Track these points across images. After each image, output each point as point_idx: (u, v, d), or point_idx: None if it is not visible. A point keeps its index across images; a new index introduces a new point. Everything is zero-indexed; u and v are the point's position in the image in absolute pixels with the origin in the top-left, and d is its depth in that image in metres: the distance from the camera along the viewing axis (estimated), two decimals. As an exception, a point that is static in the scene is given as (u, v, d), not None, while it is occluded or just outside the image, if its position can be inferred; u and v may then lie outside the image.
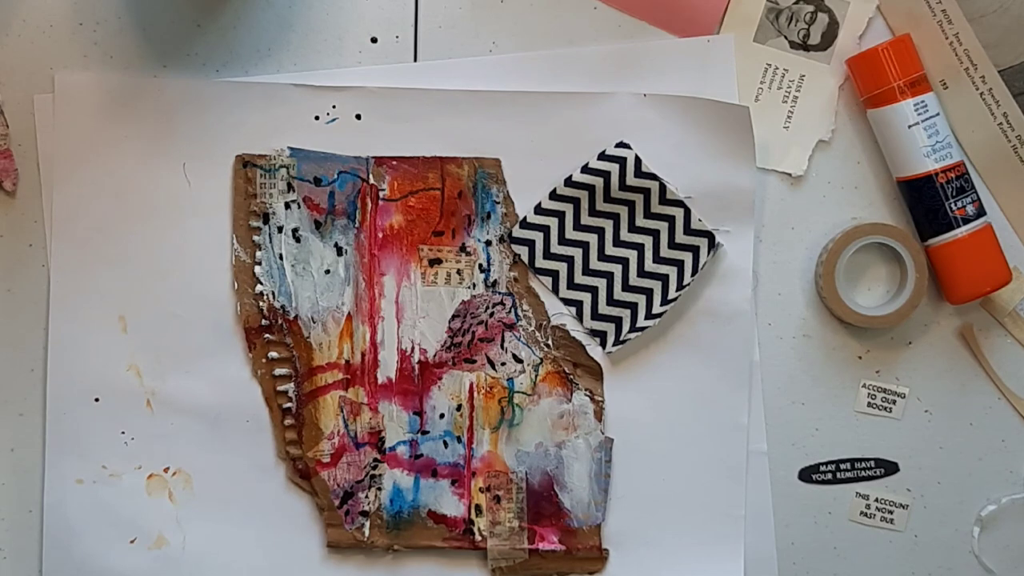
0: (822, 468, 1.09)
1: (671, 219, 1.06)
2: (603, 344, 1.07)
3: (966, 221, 1.04)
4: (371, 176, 1.05)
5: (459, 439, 1.07)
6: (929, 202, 1.04)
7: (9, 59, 1.04)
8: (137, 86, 1.04)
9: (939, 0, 1.04)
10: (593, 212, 1.06)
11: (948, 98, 1.05)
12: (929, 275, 1.05)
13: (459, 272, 1.06)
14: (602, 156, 1.05)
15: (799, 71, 1.06)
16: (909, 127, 1.03)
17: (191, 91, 1.04)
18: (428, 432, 1.06)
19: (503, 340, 1.06)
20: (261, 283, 1.05)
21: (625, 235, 1.06)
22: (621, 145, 1.05)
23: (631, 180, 1.05)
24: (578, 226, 1.06)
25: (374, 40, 1.06)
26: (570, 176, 1.05)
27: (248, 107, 1.04)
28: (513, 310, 1.06)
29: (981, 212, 1.04)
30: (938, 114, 1.03)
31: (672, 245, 1.06)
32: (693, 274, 1.06)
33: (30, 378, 1.06)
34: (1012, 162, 1.06)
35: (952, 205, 1.03)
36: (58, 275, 1.05)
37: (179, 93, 1.04)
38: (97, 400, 1.06)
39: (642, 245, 1.06)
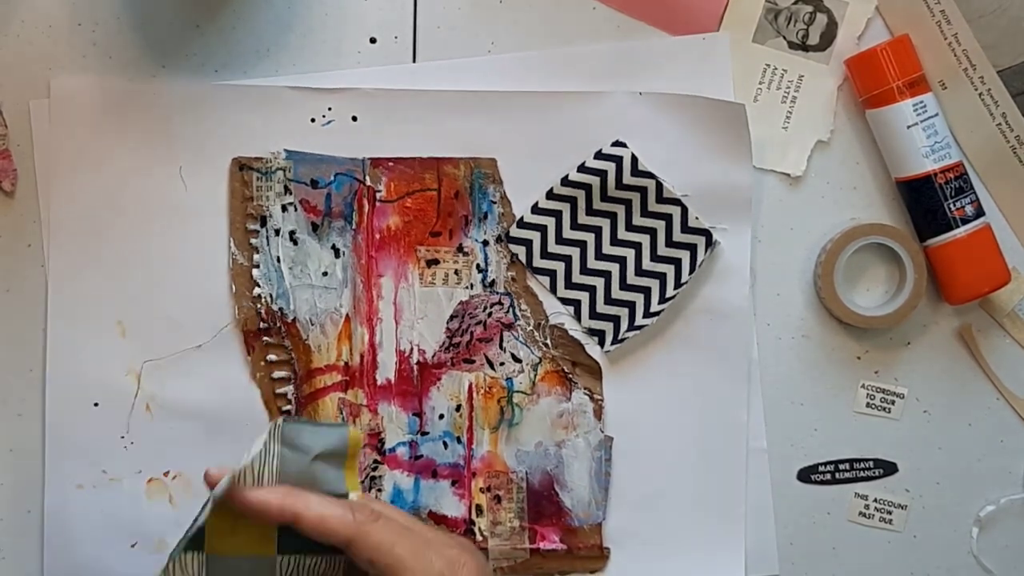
0: (821, 468, 1.09)
1: (668, 217, 1.06)
2: (601, 343, 1.07)
3: (965, 221, 1.04)
4: (367, 177, 1.05)
5: (459, 439, 1.07)
6: (928, 202, 1.04)
7: (8, 60, 1.04)
8: (133, 90, 1.04)
9: (938, 1, 1.04)
10: (590, 211, 1.06)
11: (947, 98, 1.06)
12: (928, 275, 1.05)
13: (457, 272, 1.06)
14: (599, 155, 1.05)
15: (798, 71, 1.06)
16: (908, 127, 1.03)
17: (187, 94, 1.04)
18: (428, 433, 1.06)
19: (502, 340, 1.06)
20: (259, 286, 1.05)
21: (622, 234, 1.06)
22: (617, 144, 1.05)
23: (628, 179, 1.05)
24: (575, 225, 1.06)
25: (373, 41, 1.05)
26: (567, 175, 1.05)
27: (244, 110, 1.04)
28: (511, 310, 1.06)
29: (980, 212, 1.04)
30: (937, 114, 1.03)
31: (669, 243, 1.06)
32: (691, 272, 1.06)
33: (28, 378, 1.06)
34: (1011, 162, 1.06)
35: (951, 205, 1.03)
36: (56, 280, 1.05)
37: (175, 97, 1.04)
38: (97, 405, 1.05)
39: (639, 244, 1.06)
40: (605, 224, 1.06)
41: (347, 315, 1.05)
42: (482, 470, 1.07)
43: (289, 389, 1.05)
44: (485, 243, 1.06)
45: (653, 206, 1.06)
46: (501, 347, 1.06)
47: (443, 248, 1.06)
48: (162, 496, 1.07)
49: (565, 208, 1.06)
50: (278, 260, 1.05)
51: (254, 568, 0.88)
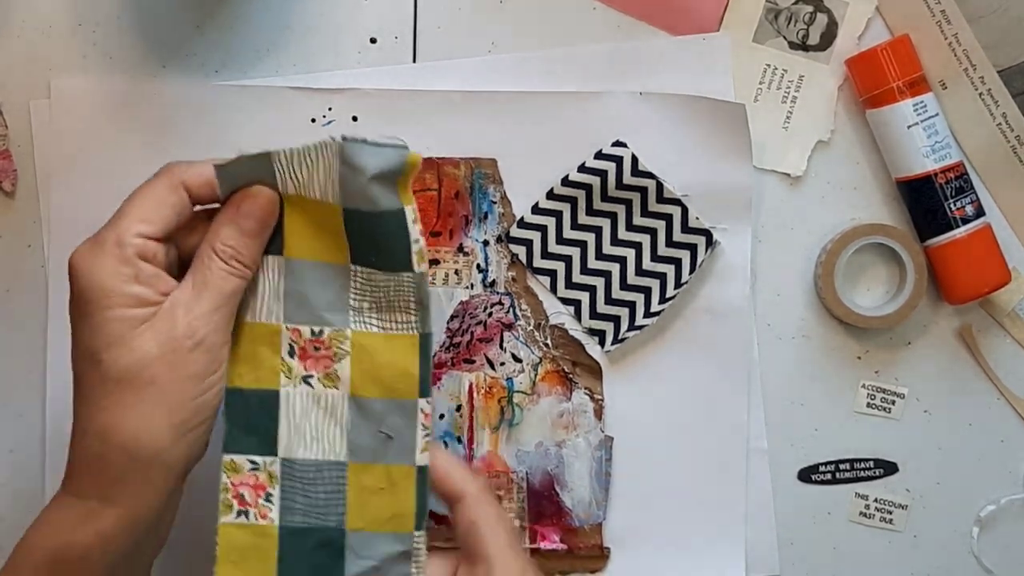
0: (821, 468, 1.09)
1: (668, 217, 1.05)
2: (602, 343, 1.07)
3: (965, 221, 1.04)
4: (369, 178, 1.05)
5: (459, 440, 1.07)
6: (928, 202, 1.04)
7: (8, 60, 1.04)
8: (133, 91, 1.04)
9: (938, 1, 1.04)
10: (590, 211, 1.06)
11: (947, 98, 1.05)
12: (928, 275, 1.05)
13: (457, 272, 1.06)
14: (599, 155, 1.05)
15: (798, 71, 1.06)
16: (908, 127, 1.03)
17: (187, 95, 1.04)
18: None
19: (502, 340, 1.06)
20: (260, 286, 1.04)
21: (623, 234, 1.06)
22: (617, 144, 1.05)
23: (628, 179, 1.04)
24: (576, 225, 1.06)
25: (373, 41, 1.05)
26: (567, 175, 1.05)
27: (244, 110, 1.04)
28: (511, 310, 1.06)
29: (980, 212, 1.04)
30: (937, 114, 1.03)
31: (670, 243, 1.06)
32: (691, 272, 1.06)
33: (28, 379, 1.06)
34: (1011, 162, 1.06)
35: (951, 205, 1.03)
36: (56, 280, 1.04)
37: (175, 97, 1.04)
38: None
39: (640, 244, 1.06)
40: (605, 224, 1.06)
41: (347, 315, 1.05)
42: (482, 470, 1.07)
43: (290, 389, 1.05)
44: (485, 243, 1.06)
45: (653, 206, 1.05)
46: (501, 347, 1.06)
47: (443, 248, 1.06)
48: (163, 496, 1.07)
49: (565, 208, 1.06)
50: (279, 260, 1.04)
51: (329, 275, 0.91)
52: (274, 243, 0.90)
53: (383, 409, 0.92)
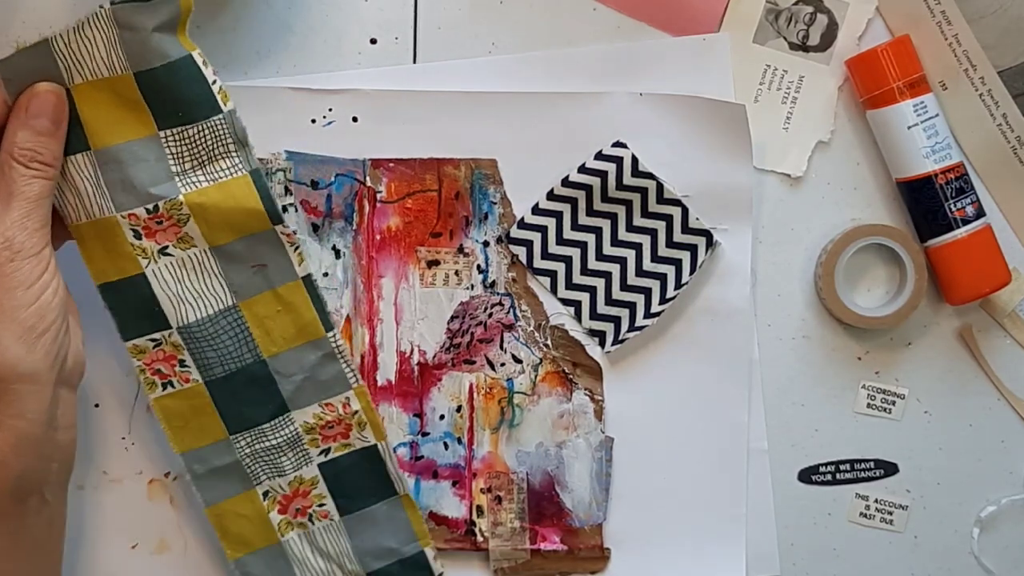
0: (822, 469, 1.09)
1: (669, 218, 1.05)
2: (602, 344, 1.07)
3: (965, 222, 1.04)
4: (368, 178, 1.04)
5: (459, 440, 1.07)
6: (928, 203, 1.04)
7: (8, 60, 1.04)
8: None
9: (938, 1, 1.04)
10: (591, 212, 1.06)
11: (947, 99, 1.05)
12: (928, 276, 1.05)
13: (457, 273, 1.06)
14: (599, 156, 1.05)
15: (798, 72, 1.06)
16: (908, 128, 1.03)
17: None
18: (428, 434, 1.06)
19: (502, 341, 1.06)
20: (260, 286, 1.04)
21: (623, 234, 1.06)
22: (618, 145, 1.05)
23: (628, 179, 1.04)
24: (576, 226, 1.06)
25: (373, 41, 1.05)
26: (567, 176, 1.05)
27: (244, 111, 1.02)
28: (512, 311, 1.06)
29: (980, 213, 1.04)
30: (937, 115, 1.03)
31: (670, 244, 1.06)
32: (691, 273, 1.06)
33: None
34: (1011, 163, 1.06)
35: (951, 206, 1.03)
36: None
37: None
38: (97, 406, 1.06)
39: (640, 244, 1.06)
40: (605, 225, 1.06)
41: (348, 316, 1.05)
42: (483, 471, 1.07)
43: (290, 389, 1.05)
44: (486, 244, 1.06)
45: (653, 207, 1.05)
46: (502, 348, 1.06)
47: (443, 249, 1.06)
48: (163, 497, 1.06)
49: (566, 209, 1.06)
50: (279, 260, 1.04)
51: (142, 150, 0.94)
52: (78, 141, 0.93)
53: (245, 247, 0.97)
